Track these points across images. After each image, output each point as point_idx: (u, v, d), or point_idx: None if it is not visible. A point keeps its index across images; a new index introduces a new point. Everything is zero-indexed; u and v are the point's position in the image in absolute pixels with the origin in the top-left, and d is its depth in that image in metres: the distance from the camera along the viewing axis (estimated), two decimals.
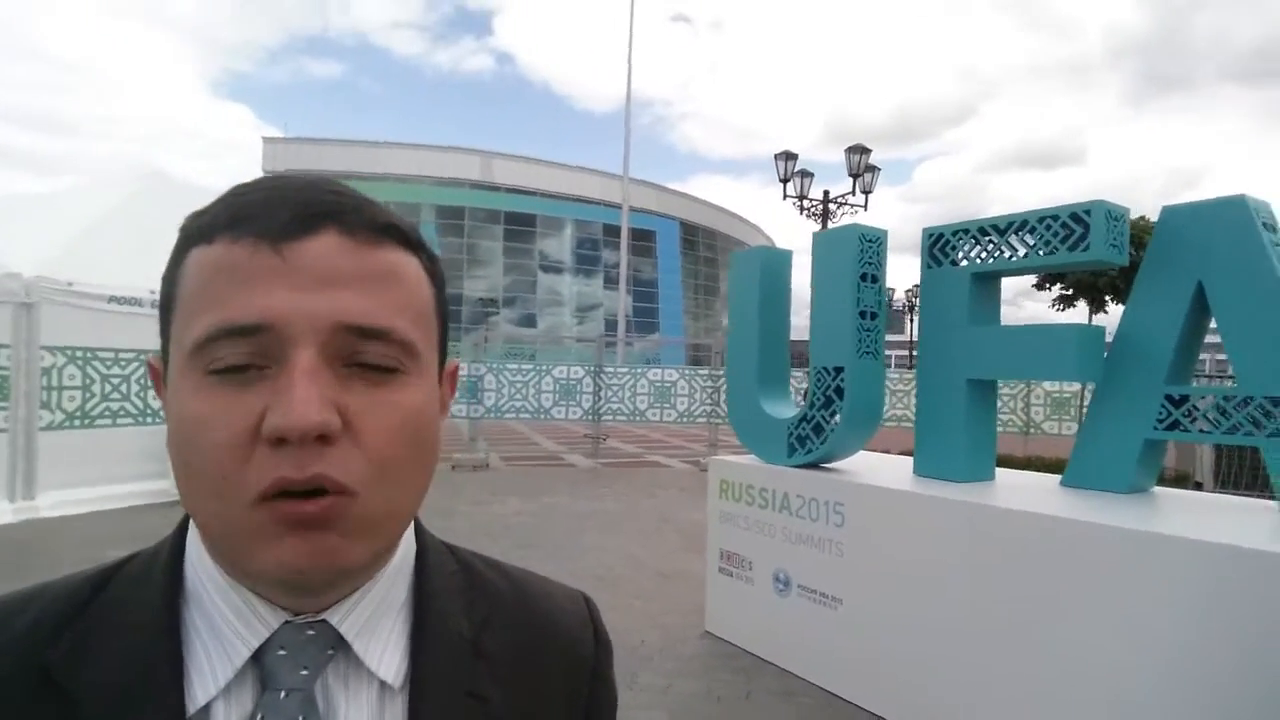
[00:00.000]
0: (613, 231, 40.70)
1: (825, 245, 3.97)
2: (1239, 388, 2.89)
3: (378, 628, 0.50)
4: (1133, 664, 2.50)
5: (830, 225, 12.71)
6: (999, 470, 3.74)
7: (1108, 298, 7.04)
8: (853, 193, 12.50)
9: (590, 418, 12.01)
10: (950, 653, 3.08)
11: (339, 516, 0.42)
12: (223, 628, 0.46)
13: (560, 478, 10.60)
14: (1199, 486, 6.97)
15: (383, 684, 0.49)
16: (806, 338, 4.05)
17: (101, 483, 7.24)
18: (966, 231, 3.62)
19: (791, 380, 6.03)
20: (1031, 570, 2.82)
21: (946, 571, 3.12)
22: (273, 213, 0.43)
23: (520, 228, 43.29)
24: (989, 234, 3.54)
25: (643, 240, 44.66)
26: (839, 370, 3.80)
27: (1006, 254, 3.48)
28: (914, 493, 3.32)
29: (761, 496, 4.02)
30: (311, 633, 0.47)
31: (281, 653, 0.46)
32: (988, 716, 2.93)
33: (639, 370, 12.41)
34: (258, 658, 0.46)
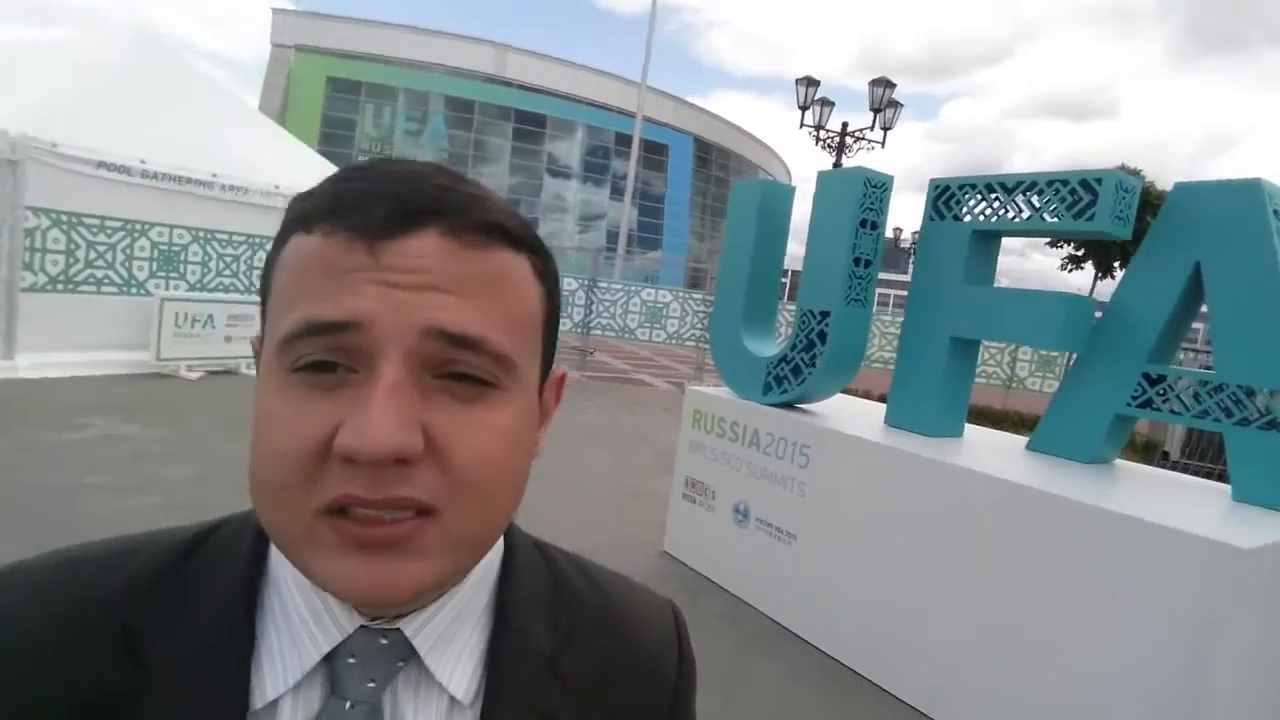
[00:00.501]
0: (625, 141, 39.50)
1: (828, 185, 3.86)
2: (1216, 374, 2.88)
3: (453, 639, 0.48)
4: (1069, 631, 2.59)
5: (845, 160, 12.34)
6: (969, 428, 3.78)
7: (1116, 264, 6.93)
8: (871, 128, 12.07)
9: (580, 331, 11.99)
10: (892, 599, 3.18)
11: (414, 535, 0.40)
12: (297, 623, 0.45)
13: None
14: (1166, 455, 7.09)
15: (453, 698, 0.48)
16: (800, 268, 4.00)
17: (82, 348, 7.23)
18: (974, 186, 3.53)
19: (782, 313, 5.99)
20: (983, 531, 2.88)
21: (901, 521, 3.19)
22: (372, 205, 0.40)
23: (530, 127, 41.98)
24: (996, 191, 3.44)
25: (655, 154, 43.48)
26: (825, 315, 3.77)
27: (1010, 214, 3.39)
28: (879, 444, 3.36)
29: (732, 430, 4.06)
30: (384, 641, 0.46)
31: (351, 661, 0.45)
32: (917, 663, 3.06)
33: (633, 288, 12.28)
34: (329, 658, 0.45)
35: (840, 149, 12.19)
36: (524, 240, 0.45)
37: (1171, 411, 3.03)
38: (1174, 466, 6.70)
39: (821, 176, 4.00)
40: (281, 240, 0.43)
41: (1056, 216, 3.21)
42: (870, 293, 3.86)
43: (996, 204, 3.44)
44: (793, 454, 3.68)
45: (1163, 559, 2.35)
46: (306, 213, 0.42)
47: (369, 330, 0.39)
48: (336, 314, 0.39)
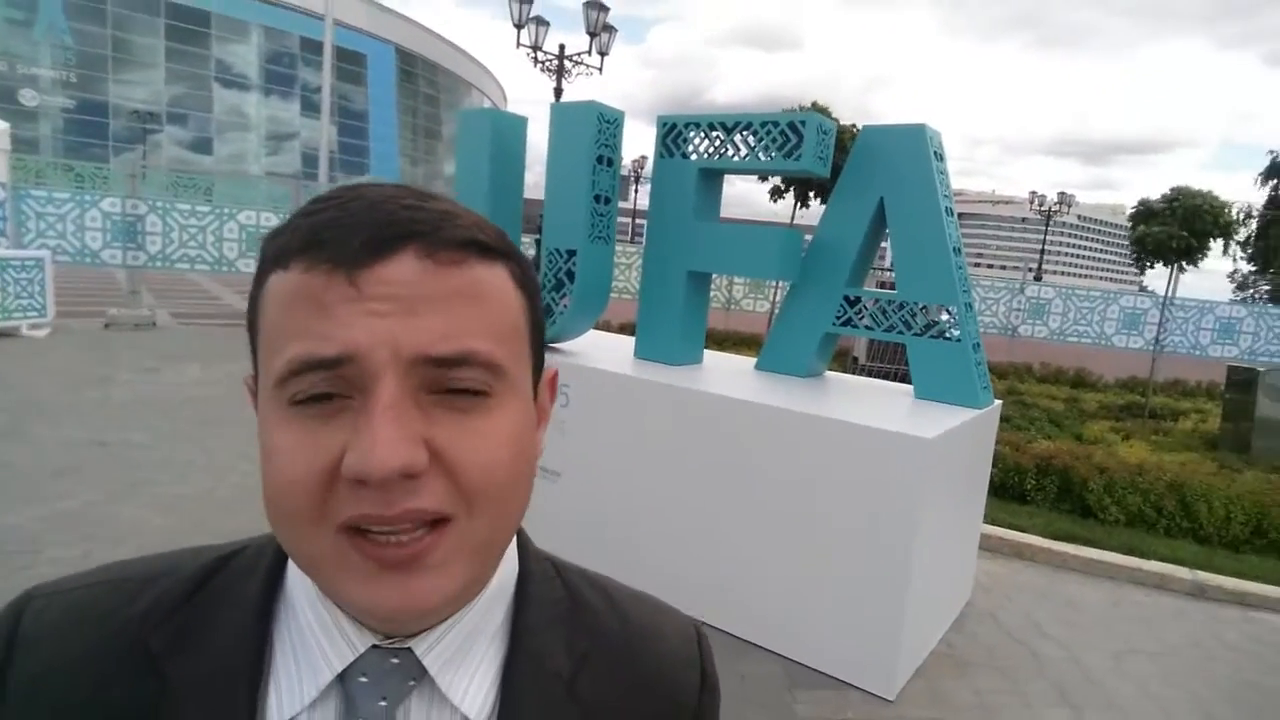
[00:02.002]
0: (313, 47, 35.01)
1: (563, 121, 3.79)
2: (898, 294, 3.43)
3: (465, 659, 0.48)
4: (806, 520, 3.00)
5: (566, 83, 12.22)
6: (706, 353, 4.10)
7: (811, 194, 7.86)
8: (589, 52, 12.05)
9: None
10: (656, 519, 3.42)
11: (433, 549, 0.41)
12: (311, 643, 0.46)
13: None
14: (856, 360, 8.46)
15: (466, 718, 0.48)
16: (539, 197, 3.93)
17: None
18: (698, 125, 3.70)
19: (523, 244, 5.85)
20: (729, 447, 3.19)
21: (656, 447, 3.40)
22: (347, 236, 0.41)
23: (189, 25, 35.25)
24: (717, 130, 3.65)
25: (351, 63, 39.22)
26: (571, 254, 3.77)
27: (730, 153, 3.63)
28: (634, 376, 3.51)
29: None
30: (396, 661, 0.46)
31: (363, 680, 0.46)
32: (682, 572, 3.35)
33: None
34: (342, 678, 0.46)
35: (560, 73, 12.04)
36: (499, 250, 0.46)
37: (866, 328, 3.56)
38: (861, 370, 8.01)
39: (555, 110, 3.92)
40: (260, 280, 0.44)
41: (769, 156, 3.51)
42: (612, 229, 3.93)
43: (719, 142, 3.66)
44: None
45: (870, 452, 2.80)
46: (281, 250, 0.42)
47: (362, 361, 0.40)
48: (329, 350, 0.39)
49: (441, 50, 47.53)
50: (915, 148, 3.36)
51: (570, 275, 3.78)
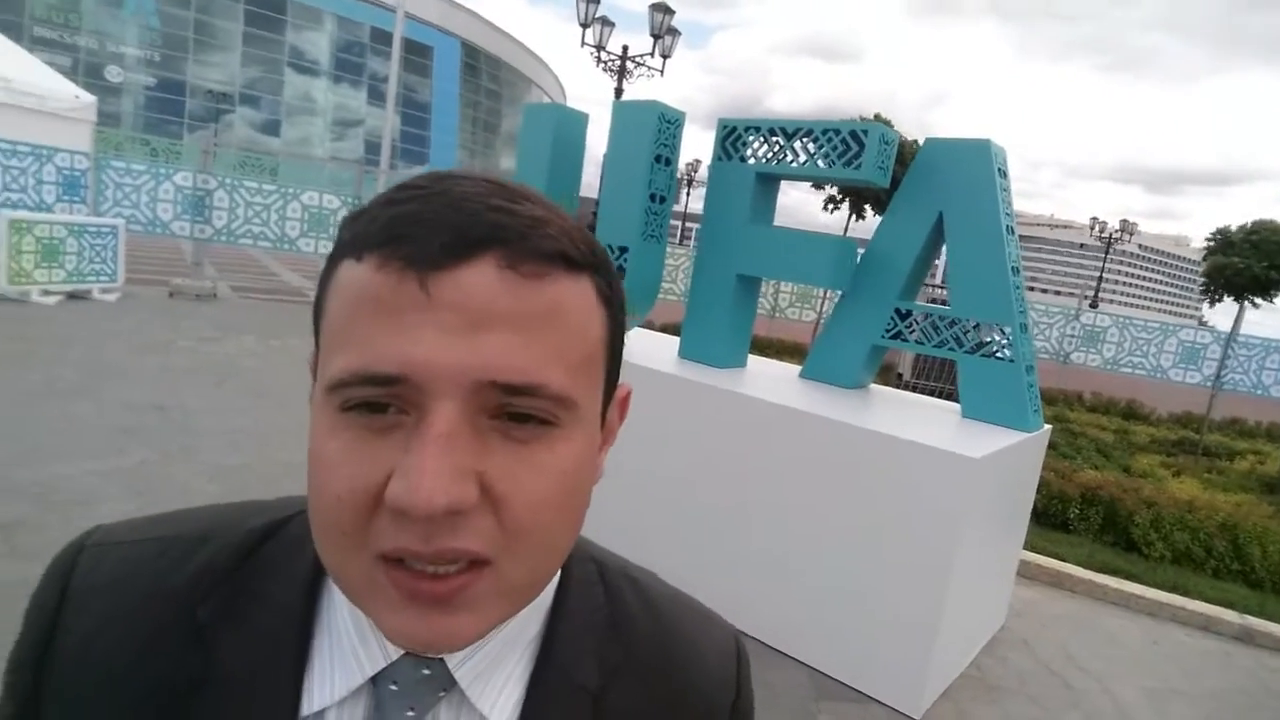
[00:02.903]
0: (382, 38, 35.91)
1: (624, 118, 3.83)
2: (951, 310, 3.39)
3: (497, 669, 0.48)
4: (845, 533, 2.98)
5: (627, 84, 12.31)
6: (750, 358, 4.10)
7: (868, 206, 7.77)
8: (652, 54, 12.11)
9: None
10: (696, 522, 3.43)
11: (468, 588, 0.39)
12: (344, 641, 0.46)
13: (303, 316, 9.73)
14: (900, 376, 8.35)
15: None
16: (591, 196, 3.97)
17: None
18: (758, 129, 3.70)
19: None
20: (767, 449, 3.18)
21: (696, 447, 3.41)
22: (427, 234, 0.38)
23: (266, 12, 36.43)
24: (777, 135, 3.65)
25: (418, 55, 40.06)
26: (623, 250, 3.81)
27: (789, 158, 3.62)
28: (678, 375, 3.53)
29: None
30: (427, 672, 0.46)
31: (393, 687, 0.45)
32: (724, 580, 3.35)
33: None
34: (373, 681, 0.46)
35: (621, 73, 12.13)
36: (585, 263, 0.42)
37: (916, 342, 3.52)
38: (906, 385, 7.90)
39: (616, 108, 3.96)
40: (334, 262, 0.42)
41: (829, 163, 3.49)
42: (665, 228, 3.96)
43: (778, 148, 3.66)
44: None
45: (914, 468, 2.77)
46: (358, 237, 0.40)
47: (418, 381, 0.37)
48: (386, 366, 0.37)
49: (505, 46, 48.23)
50: (979, 163, 3.32)
51: (621, 271, 3.82)
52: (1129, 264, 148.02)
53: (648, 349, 4.10)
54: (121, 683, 0.45)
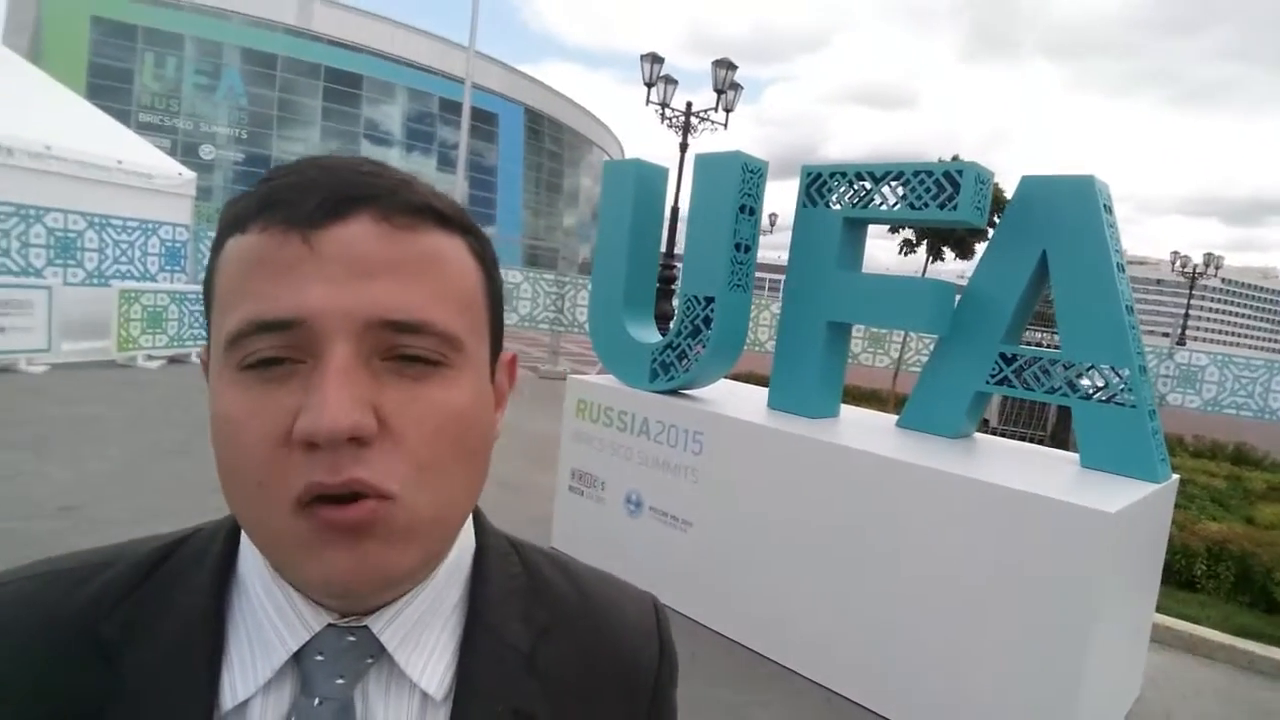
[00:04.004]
0: (451, 107, 37.74)
1: (707, 170, 3.84)
2: (1062, 353, 3.22)
3: (423, 636, 0.48)
4: (954, 595, 2.79)
5: (690, 139, 12.54)
6: (842, 407, 3.98)
7: (945, 248, 7.57)
8: (715, 108, 12.34)
9: None
10: (789, 578, 3.29)
11: (379, 522, 0.40)
12: (264, 625, 0.46)
13: None
14: (986, 423, 7.99)
15: (425, 694, 0.47)
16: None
17: None
18: (844, 175, 3.66)
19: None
20: (868, 505, 3.04)
21: (793, 501, 3.29)
22: (303, 197, 0.40)
23: (343, 88, 38.82)
24: (864, 179, 3.59)
25: (484, 123, 41.87)
26: (709, 300, 3.77)
27: (878, 202, 3.56)
28: (770, 426, 3.44)
29: (620, 419, 3.99)
30: (352, 639, 0.46)
31: (319, 658, 0.45)
32: (816, 639, 3.19)
33: None
34: (298, 658, 0.45)
35: (686, 129, 12.37)
36: (456, 221, 0.46)
37: (1025, 388, 3.35)
38: (993, 432, 7.56)
39: (699, 160, 3.98)
40: (218, 245, 0.43)
41: (922, 206, 3.40)
42: (751, 277, 3.92)
43: (864, 192, 3.60)
44: (685, 441, 3.68)
45: (1041, 523, 2.59)
46: (239, 215, 0.42)
47: (313, 325, 0.39)
48: (280, 312, 0.39)
49: (565, 109, 50.00)
50: (1084, 199, 3.18)
51: (707, 321, 3.78)
52: (1212, 299, 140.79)
53: (733, 398, 4.03)
54: (20, 709, 0.44)
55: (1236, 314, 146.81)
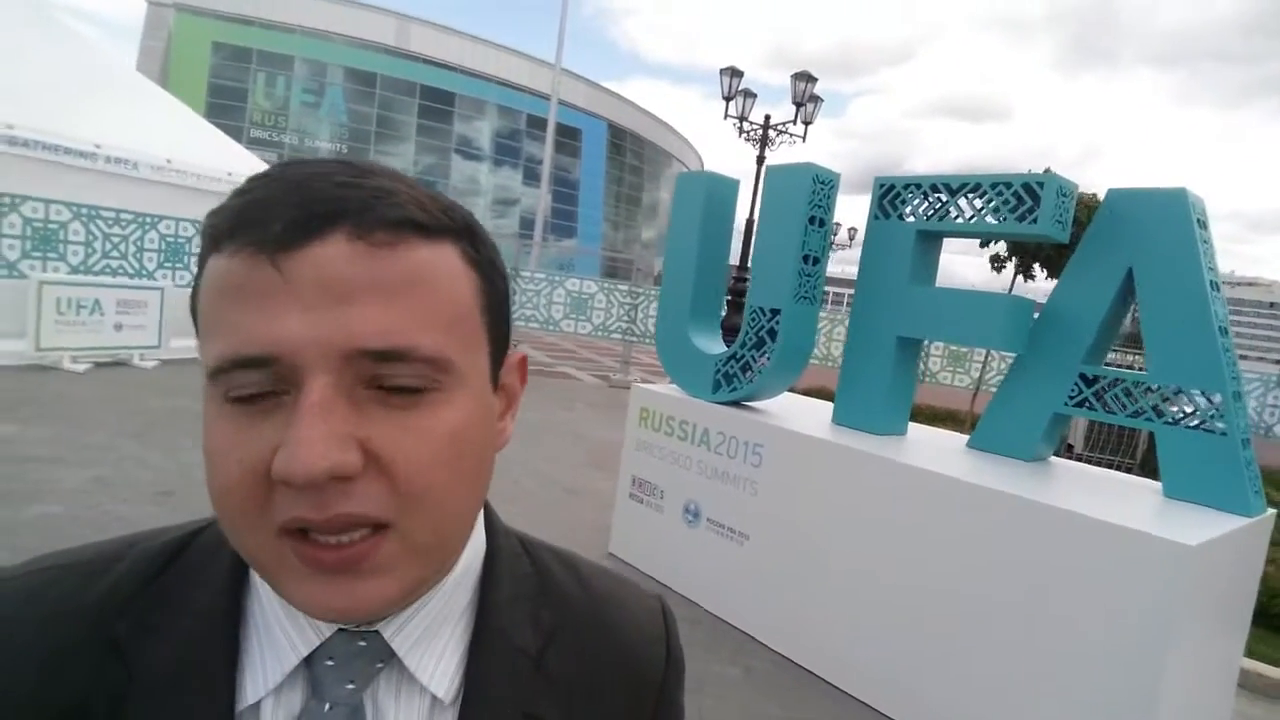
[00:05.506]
0: (537, 123, 38.79)
1: (777, 181, 3.83)
2: (1149, 375, 3.04)
3: (433, 640, 0.48)
4: (1022, 626, 2.68)
5: (768, 152, 12.50)
6: (910, 425, 3.87)
7: (1036, 265, 7.25)
8: (794, 121, 12.26)
9: None
10: (846, 598, 3.22)
11: (372, 554, 0.39)
12: (276, 628, 0.46)
13: None
14: (1070, 448, 7.59)
15: (434, 698, 0.47)
16: (732, 262, 3.97)
17: None
18: (918, 186, 3.58)
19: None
20: (935, 529, 2.94)
21: (853, 519, 3.22)
22: (270, 215, 0.38)
23: (437, 105, 40.51)
24: (940, 191, 3.51)
25: (569, 138, 42.85)
26: (775, 312, 3.76)
27: (954, 214, 3.46)
28: (833, 442, 3.38)
29: (681, 429, 4.01)
30: (363, 644, 0.46)
31: (330, 663, 0.45)
32: (873, 661, 3.11)
33: (557, 278, 11.99)
34: (308, 662, 0.45)
35: (764, 142, 12.34)
36: (443, 229, 0.42)
37: (1107, 411, 3.18)
38: (1077, 458, 7.18)
39: (770, 172, 3.98)
40: (201, 261, 0.42)
41: (999, 218, 3.30)
42: (819, 290, 3.88)
43: (940, 204, 3.51)
44: (745, 453, 3.66)
45: (1113, 555, 2.45)
46: (214, 231, 0.40)
47: (289, 359, 0.37)
48: (255, 349, 0.37)
49: (647, 124, 50.59)
50: (1175, 214, 3.01)
51: (772, 334, 3.76)
52: None
53: (797, 413, 3.98)
54: (32, 706, 0.43)
55: None
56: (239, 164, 10.09)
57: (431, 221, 0.42)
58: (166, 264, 8.69)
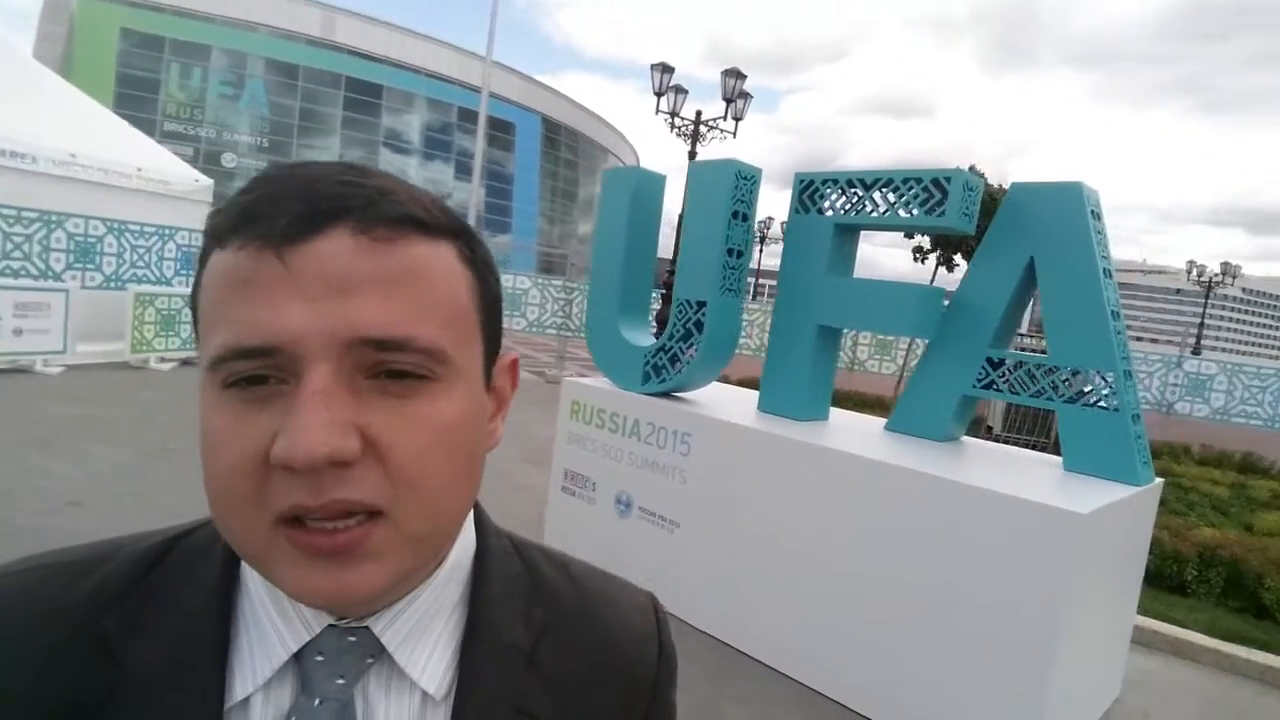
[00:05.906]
0: (469, 117, 38.11)
1: (701, 177, 3.91)
2: (1049, 358, 3.24)
3: (424, 635, 0.48)
4: (934, 594, 2.83)
5: (700, 147, 12.64)
6: (832, 411, 4.01)
7: (958, 256, 7.56)
8: (724, 117, 12.44)
9: None
10: (774, 578, 3.33)
11: (365, 540, 0.40)
12: (266, 624, 0.46)
13: None
14: (990, 429, 7.96)
15: (425, 694, 0.47)
16: (666, 256, 4.04)
17: None
18: (835, 182, 3.71)
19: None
20: (855, 508, 3.07)
21: (778, 502, 3.33)
22: (277, 211, 0.40)
23: (364, 97, 39.37)
24: (855, 186, 3.64)
25: (502, 132, 42.29)
26: (701, 305, 3.84)
27: (869, 209, 3.60)
28: (757, 429, 3.48)
29: (612, 421, 4.06)
30: (353, 639, 0.46)
31: (319, 658, 0.45)
32: (799, 638, 3.23)
33: None
34: (298, 657, 0.45)
35: (695, 137, 12.48)
36: (441, 228, 0.44)
37: (1011, 391, 3.37)
38: (996, 439, 7.54)
39: (694, 168, 4.05)
40: (203, 260, 0.43)
41: (911, 212, 3.45)
42: (742, 282, 3.97)
43: (856, 199, 3.65)
44: (674, 442, 3.74)
45: (1015, 524, 2.62)
46: (218, 228, 0.41)
47: (292, 348, 0.39)
48: (258, 338, 0.39)
49: (582, 119, 50.37)
50: (1071, 205, 3.21)
51: (699, 326, 3.84)
52: (1232, 308, 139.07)
53: (724, 402, 4.07)
54: (21, 703, 0.43)
55: (1257, 323, 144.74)
56: (150, 158, 9.63)
57: (431, 220, 0.43)
58: (76, 265, 8.24)
